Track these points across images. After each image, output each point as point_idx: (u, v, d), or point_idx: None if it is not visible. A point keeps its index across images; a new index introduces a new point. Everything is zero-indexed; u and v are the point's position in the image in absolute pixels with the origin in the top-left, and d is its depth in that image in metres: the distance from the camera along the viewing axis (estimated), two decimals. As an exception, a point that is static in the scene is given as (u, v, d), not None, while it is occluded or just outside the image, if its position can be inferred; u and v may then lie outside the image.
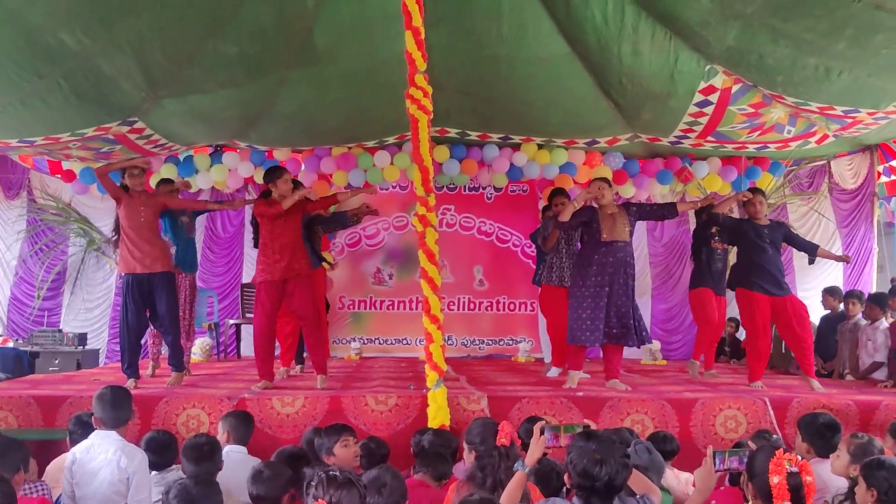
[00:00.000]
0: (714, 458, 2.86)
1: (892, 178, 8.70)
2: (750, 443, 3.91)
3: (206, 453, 3.38)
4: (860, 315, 7.04)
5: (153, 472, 3.55)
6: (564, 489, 3.09)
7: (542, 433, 2.80)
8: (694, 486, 3.13)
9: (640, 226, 9.18)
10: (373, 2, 5.58)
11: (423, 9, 4.83)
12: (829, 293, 7.66)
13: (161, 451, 3.64)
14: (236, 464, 3.58)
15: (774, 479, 2.45)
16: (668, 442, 4.06)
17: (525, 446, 3.30)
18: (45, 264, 8.92)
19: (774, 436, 4.39)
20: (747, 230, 6.18)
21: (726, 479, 3.46)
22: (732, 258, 6.96)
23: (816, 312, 8.41)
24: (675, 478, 3.83)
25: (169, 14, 5.13)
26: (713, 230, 6.71)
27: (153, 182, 7.97)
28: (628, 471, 2.38)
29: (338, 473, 2.26)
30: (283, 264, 5.57)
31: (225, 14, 5.37)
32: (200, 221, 8.88)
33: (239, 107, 6.89)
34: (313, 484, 2.25)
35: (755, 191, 6.52)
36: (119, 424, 3.61)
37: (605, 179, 5.95)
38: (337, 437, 3.73)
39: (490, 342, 9.19)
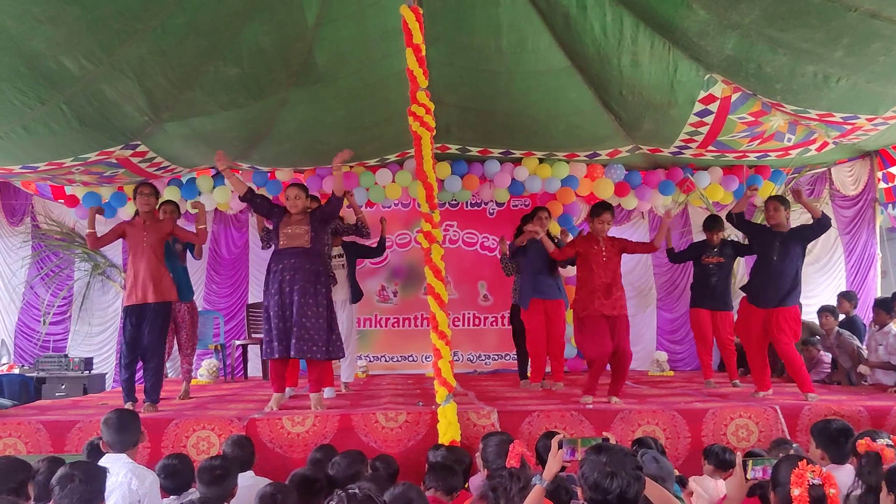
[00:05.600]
0: (745, 467, 2.86)
1: (890, 184, 8.71)
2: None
3: (219, 476, 3.36)
4: (836, 328, 7.17)
5: (172, 497, 3.54)
6: None
7: (560, 447, 2.79)
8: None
9: (644, 237, 9.20)
10: (371, 21, 5.62)
11: (423, 26, 4.86)
12: (845, 297, 7.68)
13: (174, 477, 3.63)
14: (243, 490, 3.56)
15: (795, 492, 2.43)
16: (726, 452, 4.06)
17: (542, 462, 3.28)
18: (51, 290, 8.92)
19: (795, 444, 4.36)
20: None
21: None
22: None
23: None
24: (715, 488, 3.83)
25: (169, 38, 5.17)
26: (708, 242, 6.95)
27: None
28: (641, 483, 2.35)
29: (357, 491, 2.24)
30: None
31: (225, 36, 5.40)
32: (204, 244, 8.88)
33: (240, 128, 6.92)
34: (333, 502, 2.24)
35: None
36: (127, 447, 3.60)
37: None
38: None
39: (496, 357, 9.17)
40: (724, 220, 6.83)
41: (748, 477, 2.89)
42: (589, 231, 5.91)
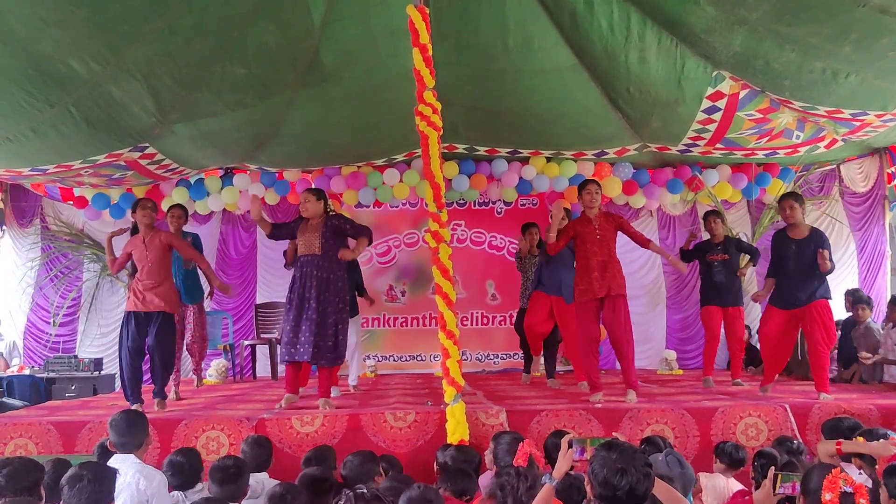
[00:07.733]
0: (774, 482, 2.85)
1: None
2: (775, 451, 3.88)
3: (232, 476, 3.37)
4: (870, 319, 7.08)
5: (178, 493, 3.55)
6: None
7: (569, 446, 2.78)
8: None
9: (651, 236, 9.17)
10: (378, 20, 5.62)
11: (429, 26, 4.85)
12: (853, 296, 7.60)
13: (180, 473, 3.64)
14: (256, 491, 3.57)
15: (826, 496, 2.42)
16: (738, 451, 4.06)
17: (551, 460, 3.27)
18: (60, 291, 8.95)
19: (795, 441, 4.35)
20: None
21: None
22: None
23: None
24: (726, 486, 3.81)
25: (176, 39, 5.19)
26: (712, 241, 7.04)
27: (164, 205, 8.06)
28: (650, 480, 2.34)
29: (365, 491, 2.25)
30: None
31: (232, 37, 5.42)
32: (212, 245, 8.93)
33: (248, 129, 6.94)
34: (342, 502, 2.24)
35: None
36: (134, 448, 3.61)
37: None
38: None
39: (505, 356, 9.16)
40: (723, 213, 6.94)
41: (776, 492, 2.88)
42: (581, 212, 5.87)
